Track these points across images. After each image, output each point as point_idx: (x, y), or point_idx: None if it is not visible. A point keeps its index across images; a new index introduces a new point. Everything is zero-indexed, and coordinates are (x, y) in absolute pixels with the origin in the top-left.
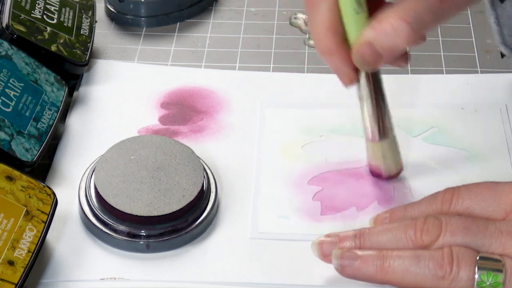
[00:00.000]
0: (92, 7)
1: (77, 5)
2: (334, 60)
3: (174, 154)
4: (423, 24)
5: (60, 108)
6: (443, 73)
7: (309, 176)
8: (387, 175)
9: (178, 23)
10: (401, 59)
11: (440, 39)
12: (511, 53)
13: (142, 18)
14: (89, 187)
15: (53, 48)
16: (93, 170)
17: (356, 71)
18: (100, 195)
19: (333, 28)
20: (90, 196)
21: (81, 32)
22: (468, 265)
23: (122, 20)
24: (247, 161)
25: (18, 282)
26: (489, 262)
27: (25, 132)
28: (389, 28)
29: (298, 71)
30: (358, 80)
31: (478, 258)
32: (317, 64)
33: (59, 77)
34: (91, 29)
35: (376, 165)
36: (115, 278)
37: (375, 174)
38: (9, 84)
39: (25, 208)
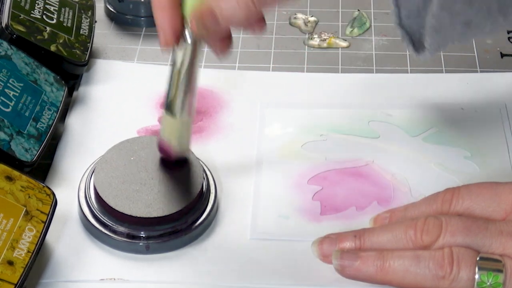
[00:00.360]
0: (92, 7)
1: (77, 5)
2: (162, 16)
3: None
4: (264, 1)
5: (60, 108)
6: (443, 73)
7: (309, 175)
8: (173, 153)
9: None
10: (257, 25)
11: None
12: (406, 35)
13: (142, 18)
14: (89, 188)
15: (53, 48)
16: (93, 171)
17: (176, 36)
18: (100, 196)
19: None
20: (90, 197)
21: (81, 32)
22: (468, 265)
23: (121, 20)
24: (247, 161)
25: (18, 282)
26: (489, 263)
27: (25, 132)
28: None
29: (298, 71)
30: (175, 46)
31: (478, 258)
32: (317, 64)
33: (58, 77)
34: (91, 29)
35: (169, 142)
36: (114, 279)
37: (164, 151)
38: (8, 84)
39: (25, 208)
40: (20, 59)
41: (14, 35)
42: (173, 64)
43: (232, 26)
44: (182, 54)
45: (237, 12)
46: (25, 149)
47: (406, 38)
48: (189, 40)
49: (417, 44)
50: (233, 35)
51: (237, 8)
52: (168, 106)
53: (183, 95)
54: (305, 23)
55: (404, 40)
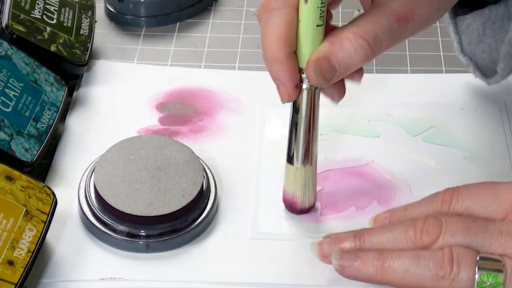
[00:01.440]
0: (92, 7)
1: (77, 5)
2: (278, 70)
3: (174, 154)
4: (381, 44)
5: (60, 108)
6: (443, 73)
7: None
8: (302, 206)
9: (177, 23)
10: (357, 74)
11: (440, 39)
12: (470, 62)
13: (142, 18)
14: (89, 187)
15: (53, 48)
16: (93, 170)
17: (297, 87)
18: (100, 195)
19: (286, 38)
20: (90, 196)
21: (81, 32)
22: (468, 265)
23: (121, 20)
24: (247, 161)
25: (18, 282)
26: (489, 262)
27: (25, 132)
28: (349, 45)
29: None
30: (296, 98)
31: (478, 258)
32: None
33: (58, 77)
34: (91, 29)
35: (293, 194)
36: (114, 278)
37: (289, 204)
38: (8, 84)
39: (25, 208)
40: (20, 59)
41: (14, 35)
42: (293, 114)
43: (348, 73)
44: (301, 104)
45: (355, 58)
46: (25, 149)
47: (471, 65)
48: (306, 90)
49: (482, 69)
50: (232, 35)
51: (354, 54)
52: (291, 156)
53: (305, 144)
54: None
55: (469, 66)
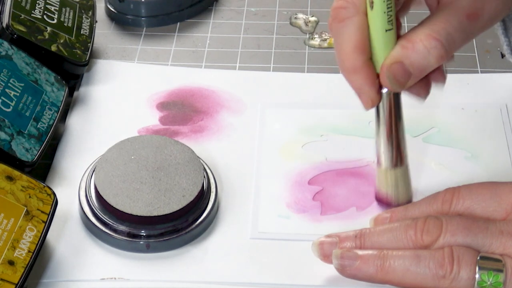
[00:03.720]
0: (92, 7)
1: (77, 5)
2: (359, 79)
3: (174, 154)
4: (454, 43)
5: (60, 108)
6: None
7: (309, 175)
8: (396, 204)
9: (178, 23)
10: (439, 77)
11: None
12: None
13: (143, 18)
14: (89, 187)
15: (53, 48)
16: (93, 170)
17: (379, 93)
18: (100, 195)
19: (361, 47)
20: (90, 196)
21: (81, 32)
22: (469, 264)
23: (122, 20)
24: (247, 161)
25: (18, 282)
26: (489, 262)
27: (25, 132)
28: (421, 47)
29: (298, 71)
30: (379, 102)
31: (478, 258)
32: (317, 64)
33: (59, 77)
34: (91, 29)
35: (386, 193)
36: (115, 278)
37: (384, 202)
38: (9, 84)
39: (25, 208)
40: (20, 59)
41: (15, 35)
42: (377, 118)
43: (423, 75)
44: (382, 108)
45: (429, 59)
46: (25, 149)
47: None
48: (386, 94)
49: None
50: (232, 35)
51: (428, 55)
52: (379, 159)
53: (392, 146)
54: (306, 23)
55: None
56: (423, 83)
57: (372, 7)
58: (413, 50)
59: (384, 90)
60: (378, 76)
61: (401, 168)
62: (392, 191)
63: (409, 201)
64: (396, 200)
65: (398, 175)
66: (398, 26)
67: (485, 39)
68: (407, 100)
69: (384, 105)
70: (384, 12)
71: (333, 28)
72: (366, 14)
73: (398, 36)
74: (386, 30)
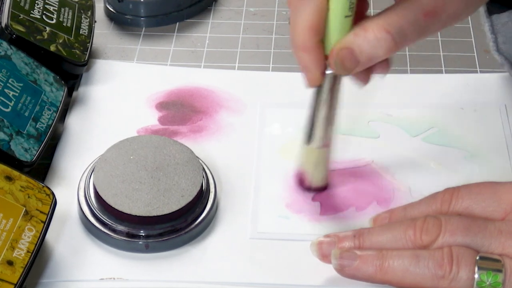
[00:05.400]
0: (91, 7)
1: (76, 5)
2: (307, 58)
3: (173, 154)
4: (405, 37)
5: (59, 108)
6: (443, 73)
7: None
8: (310, 185)
9: (177, 23)
10: (382, 68)
11: (440, 39)
12: (505, 61)
13: (142, 18)
14: (88, 187)
15: (52, 48)
16: (92, 170)
17: (323, 74)
18: (99, 195)
19: (315, 28)
20: (89, 196)
21: (80, 32)
22: (468, 264)
23: (121, 20)
24: (247, 161)
25: (17, 282)
26: (488, 262)
27: (24, 132)
28: (372, 37)
29: (298, 71)
30: (321, 83)
31: (477, 258)
32: None
33: (58, 77)
34: (90, 29)
35: (306, 172)
36: (114, 278)
37: (300, 181)
38: (8, 84)
39: (24, 208)
40: (19, 59)
41: (14, 35)
42: (315, 98)
43: (370, 64)
44: (323, 88)
45: (377, 50)
46: (24, 149)
47: (506, 64)
48: (330, 76)
49: None
50: (231, 35)
51: (377, 46)
52: (309, 137)
53: (324, 126)
54: None
55: (504, 65)
56: (366, 70)
57: None
58: (364, 38)
59: (328, 71)
60: (326, 58)
61: (325, 150)
62: (311, 170)
63: (323, 185)
64: (315, 179)
65: (322, 156)
66: (364, 10)
67: (485, 39)
68: (407, 100)
69: (326, 86)
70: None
71: (292, 4)
72: None
73: (354, 24)
74: (345, 16)
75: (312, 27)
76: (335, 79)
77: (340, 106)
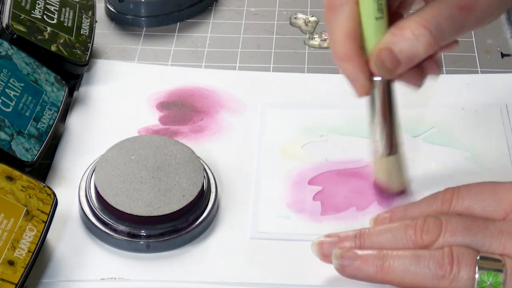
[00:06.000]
0: (92, 7)
1: (77, 5)
2: (350, 67)
3: (174, 154)
4: (443, 33)
5: (60, 108)
6: (443, 73)
7: (309, 176)
8: (391, 192)
9: (178, 23)
10: (433, 68)
11: None
12: None
13: (142, 18)
14: (89, 187)
15: (53, 48)
16: (93, 170)
17: (371, 81)
18: (100, 195)
19: (352, 35)
20: (90, 196)
21: (81, 32)
22: (469, 264)
23: (122, 20)
24: (247, 161)
25: (18, 282)
26: (489, 262)
27: (25, 132)
28: (410, 34)
29: (298, 71)
30: (372, 91)
31: (478, 258)
32: (317, 64)
33: (59, 77)
34: (91, 29)
35: (382, 181)
36: (115, 278)
37: (379, 191)
38: (9, 84)
39: (25, 208)
40: (20, 59)
41: (15, 35)
42: (370, 107)
43: (412, 64)
44: (374, 96)
45: (417, 47)
46: (25, 149)
47: None
48: (379, 82)
49: None
50: (232, 35)
51: (416, 43)
52: (375, 147)
53: (384, 135)
54: (306, 23)
55: None
56: (417, 72)
57: None
58: (402, 37)
59: (377, 78)
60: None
61: (394, 156)
62: (387, 179)
63: (403, 189)
64: (390, 188)
65: (392, 163)
66: (397, 16)
67: (485, 39)
68: (408, 100)
69: (377, 93)
70: (374, 1)
71: (326, 17)
72: (357, 3)
73: (391, 25)
74: (376, 18)
75: (348, 34)
76: (385, 85)
77: (398, 112)
